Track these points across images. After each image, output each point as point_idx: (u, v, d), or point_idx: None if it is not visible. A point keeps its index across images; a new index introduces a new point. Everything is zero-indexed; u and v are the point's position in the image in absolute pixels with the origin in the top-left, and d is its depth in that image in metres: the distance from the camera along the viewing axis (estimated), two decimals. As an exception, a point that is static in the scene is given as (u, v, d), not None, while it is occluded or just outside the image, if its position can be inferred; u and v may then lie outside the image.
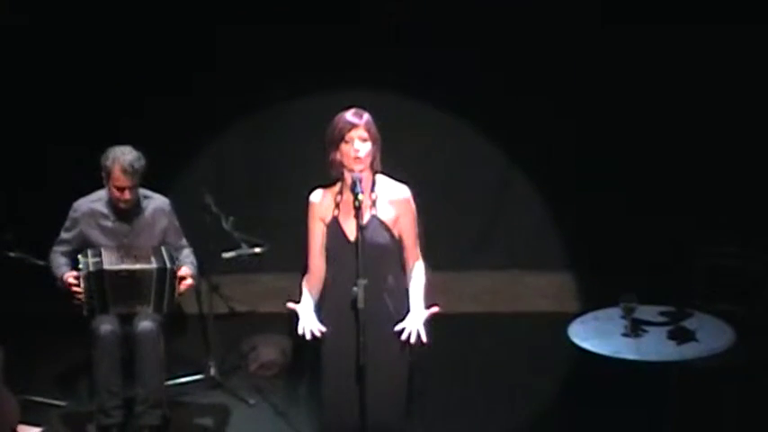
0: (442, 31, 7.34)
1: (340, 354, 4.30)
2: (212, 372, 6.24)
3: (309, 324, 4.28)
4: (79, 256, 5.44)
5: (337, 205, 4.40)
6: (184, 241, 5.76)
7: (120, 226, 5.54)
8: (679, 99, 7.10)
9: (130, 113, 7.00)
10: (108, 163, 5.40)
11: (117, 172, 5.39)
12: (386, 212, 4.38)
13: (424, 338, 4.24)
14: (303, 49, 7.39)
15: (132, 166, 5.39)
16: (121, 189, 5.43)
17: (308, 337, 4.27)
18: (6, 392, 5.26)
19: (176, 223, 5.71)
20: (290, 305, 4.36)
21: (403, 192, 4.44)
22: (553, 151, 7.40)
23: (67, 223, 5.58)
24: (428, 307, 4.33)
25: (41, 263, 5.70)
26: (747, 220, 6.66)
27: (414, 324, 4.25)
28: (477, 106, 7.37)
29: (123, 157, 5.40)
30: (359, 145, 4.31)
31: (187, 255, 5.71)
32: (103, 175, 5.45)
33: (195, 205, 6.11)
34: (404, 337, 4.23)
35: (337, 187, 4.43)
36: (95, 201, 5.57)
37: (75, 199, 5.62)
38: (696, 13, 6.89)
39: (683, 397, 5.06)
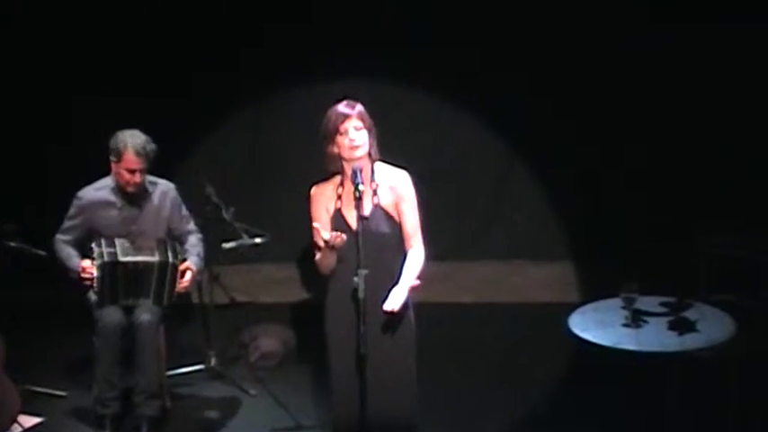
0: (444, 22, 7.34)
1: (345, 345, 4.31)
2: (213, 362, 6.24)
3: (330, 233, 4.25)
4: (93, 245, 5.40)
5: (339, 197, 4.42)
6: (192, 226, 5.71)
7: (127, 212, 5.51)
8: (681, 89, 7.08)
9: (130, 103, 6.98)
10: (120, 146, 5.36)
11: (130, 154, 5.35)
12: (387, 200, 4.41)
13: (396, 308, 4.24)
14: (303, 39, 7.38)
15: (144, 148, 5.37)
16: (132, 171, 5.39)
17: (338, 237, 4.22)
18: (7, 382, 5.26)
19: (183, 208, 5.69)
20: (315, 224, 4.32)
21: (402, 177, 4.46)
22: (554, 141, 7.39)
23: (72, 211, 5.52)
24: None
25: (42, 253, 5.68)
26: (749, 211, 6.65)
27: (393, 299, 4.25)
28: (479, 96, 7.36)
29: (134, 139, 5.38)
30: (354, 134, 4.34)
31: (194, 244, 5.66)
32: (112, 158, 5.41)
33: (196, 195, 6.10)
34: (385, 308, 4.23)
35: (337, 180, 4.45)
36: (101, 188, 5.52)
37: (76, 188, 5.57)
38: (700, 14, 6.90)
39: (683, 388, 5.06)
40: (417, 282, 4.34)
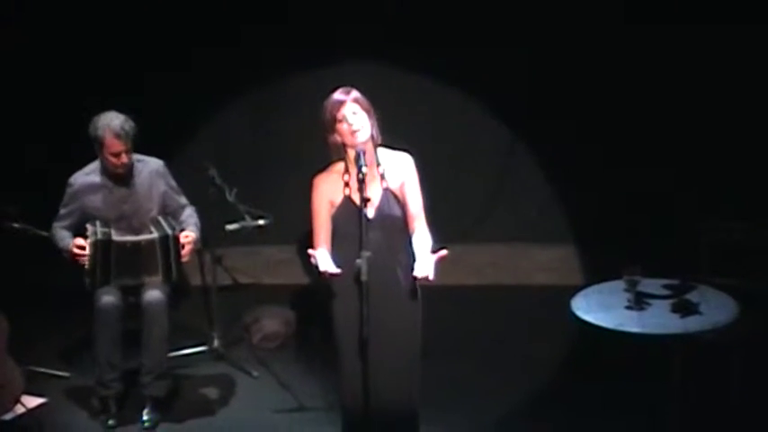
0: (447, 7, 7.32)
1: (352, 327, 4.32)
2: (215, 343, 6.26)
3: (327, 265, 4.24)
4: (87, 225, 5.43)
5: (346, 184, 4.41)
6: (184, 200, 5.73)
7: (118, 192, 5.52)
8: (685, 77, 7.08)
9: (132, 85, 6.98)
10: (99, 132, 5.37)
11: (110, 138, 5.36)
12: (393, 183, 4.43)
13: (431, 276, 4.20)
14: (304, 22, 7.37)
15: (123, 129, 5.37)
16: (117, 154, 5.40)
17: (329, 272, 4.21)
18: (11, 362, 5.27)
19: (173, 183, 5.70)
20: (310, 251, 4.31)
21: (405, 159, 4.48)
22: (558, 125, 7.38)
23: (65, 199, 5.56)
24: (436, 251, 4.30)
25: (45, 234, 5.70)
26: (752, 194, 6.65)
27: (425, 265, 4.22)
28: (481, 80, 7.35)
29: (112, 122, 5.38)
30: (352, 119, 4.34)
31: (190, 214, 5.69)
32: (95, 145, 5.43)
33: (199, 177, 6.10)
34: (418, 274, 4.20)
35: (341, 167, 4.45)
36: (90, 173, 5.55)
37: (76, 170, 5.60)
38: (705, 14, 6.91)
39: (686, 370, 5.06)
40: (445, 252, 4.29)
